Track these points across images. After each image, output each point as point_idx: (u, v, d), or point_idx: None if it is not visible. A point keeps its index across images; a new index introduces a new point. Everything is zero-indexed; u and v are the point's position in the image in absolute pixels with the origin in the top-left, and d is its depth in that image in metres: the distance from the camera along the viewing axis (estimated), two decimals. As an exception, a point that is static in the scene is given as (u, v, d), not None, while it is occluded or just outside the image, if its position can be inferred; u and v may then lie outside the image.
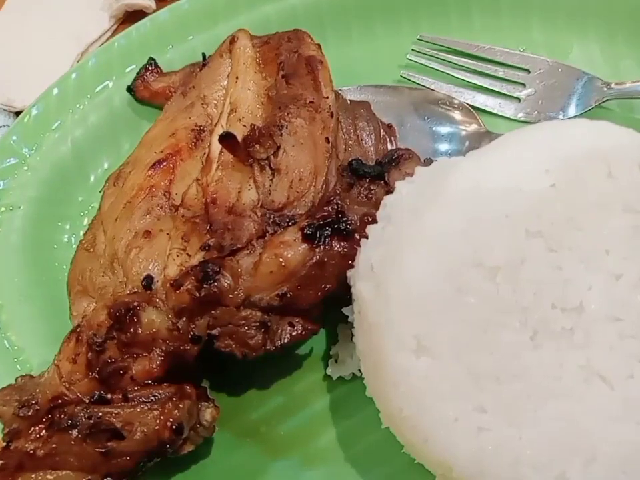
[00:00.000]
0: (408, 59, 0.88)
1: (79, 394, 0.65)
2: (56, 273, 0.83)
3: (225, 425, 0.71)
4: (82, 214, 0.88)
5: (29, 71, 1.05)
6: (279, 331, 0.67)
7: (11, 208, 0.86)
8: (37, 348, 0.78)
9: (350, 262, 0.66)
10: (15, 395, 0.67)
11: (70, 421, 0.62)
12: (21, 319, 0.80)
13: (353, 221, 0.67)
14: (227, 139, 0.71)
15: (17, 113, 1.00)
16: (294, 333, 0.67)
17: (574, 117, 0.80)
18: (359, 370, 0.71)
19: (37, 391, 0.67)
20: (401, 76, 0.88)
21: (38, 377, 0.69)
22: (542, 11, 0.88)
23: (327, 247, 0.66)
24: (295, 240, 0.66)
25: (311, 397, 0.73)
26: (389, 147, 0.78)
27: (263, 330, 0.66)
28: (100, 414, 0.62)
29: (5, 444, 0.65)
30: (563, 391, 0.51)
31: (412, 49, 0.89)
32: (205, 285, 0.64)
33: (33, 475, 0.63)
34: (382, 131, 0.78)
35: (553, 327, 0.52)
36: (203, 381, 0.74)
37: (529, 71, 0.84)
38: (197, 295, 0.63)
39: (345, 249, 0.66)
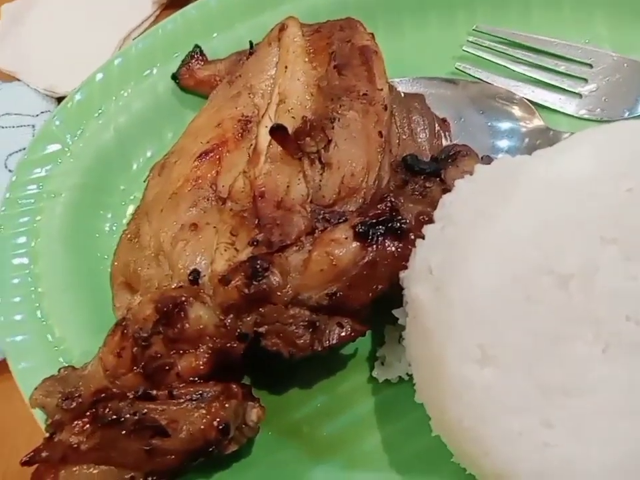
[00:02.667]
0: (463, 50, 0.85)
1: (123, 388, 0.64)
2: (97, 263, 0.82)
3: (266, 424, 0.69)
4: (124, 203, 0.87)
5: (70, 56, 1.04)
6: (327, 331, 0.65)
7: (52, 195, 0.84)
8: (78, 338, 0.77)
9: (403, 263, 0.63)
10: (58, 387, 0.67)
11: (114, 416, 0.61)
12: (63, 307, 0.79)
13: (407, 220, 0.64)
14: (277, 131, 0.69)
15: (59, 99, 1.00)
16: (343, 334, 0.64)
17: (641, 115, 0.76)
18: (407, 374, 0.69)
19: (80, 383, 0.65)
20: (456, 68, 0.84)
21: (81, 369, 0.68)
22: (606, 2, 0.83)
23: (379, 247, 0.64)
24: (346, 238, 0.64)
25: (356, 399, 0.71)
26: (444, 143, 0.75)
27: (311, 330, 0.64)
28: (145, 410, 0.61)
29: (48, 435, 0.64)
30: (636, 409, 0.49)
31: (467, 40, 0.85)
32: (254, 282, 0.62)
33: (76, 468, 0.62)
34: (436, 125, 0.75)
35: (627, 341, 0.49)
36: (245, 377, 0.73)
37: (591, 66, 0.80)
38: (246, 291, 0.62)
39: (398, 249, 0.64)
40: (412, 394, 0.62)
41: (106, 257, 0.81)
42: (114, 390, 0.64)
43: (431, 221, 0.63)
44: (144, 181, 0.81)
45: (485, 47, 0.84)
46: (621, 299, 0.50)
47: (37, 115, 0.98)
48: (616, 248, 0.51)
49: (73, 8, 1.08)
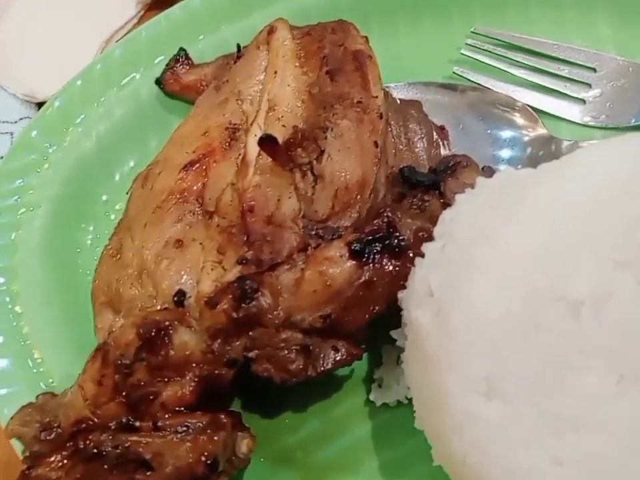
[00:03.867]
0: (462, 53, 0.81)
1: (104, 418, 0.60)
2: (79, 279, 0.78)
3: (258, 450, 0.65)
4: (106, 214, 0.82)
5: (50, 59, 0.99)
6: (322, 355, 0.61)
7: (31, 208, 0.80)
8: (59, 359, 0.73)
9: (402, 282, 0.60)
10: (36, 416, 0.63)
11: (96, 450, 0.57)
12: (43, 327, 0.75)
13: (405, 237, 0.61)
14: (267, 142, 0.65)
15: (40, 105, 0.95)
16: (338, 358, 0.61)
17: (649, 122, 0.73)
18: (406, 397, 0.66)
19: (60, 412, 0.62)
20: (454, 72, 0.80)
21: (60, 396, 0.64)
22: (609, 2, 0.80)
23: (376, 265, 0.60)
24: (341, 256, 0.61)
25: (352, 423, 0.68)
26: (442, 152, 0.71)
27: (304, 354, 0.61)
28: (128, 443, 0.57)
29: (25, 468, 0.60)
30: (653, 444, 0.45)
31: (465, 43, 0.81)
32: (242, 305, 0.58)
33: (55, 505, 0.58)
34: (434, 133, 0.72)
35: (642, 372, 0.46)
36: (235, 400, 0.70)
37: (595, 70, 0.77)
38: (235, 315, 0.58)
39: (396, 268, 0.60)
40: (411, 418, 0.59)
41: (88, 272, 0.77)
42: (95, 420, 0.60)
43: (430, 237, 0.60)
44: (126, 193, 0.77)
45: (484, 50, 0.80)
46: (636, 327, 0.47)
47: (16, 122, 0.94)
48: (629, 272, 0.47)
49: (53, 9, 1.03)
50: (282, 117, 0.71)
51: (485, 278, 0.49)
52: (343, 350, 0.61)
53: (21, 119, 0.94)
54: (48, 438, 0.61)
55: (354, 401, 0.68)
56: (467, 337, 0.48)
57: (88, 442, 0.58)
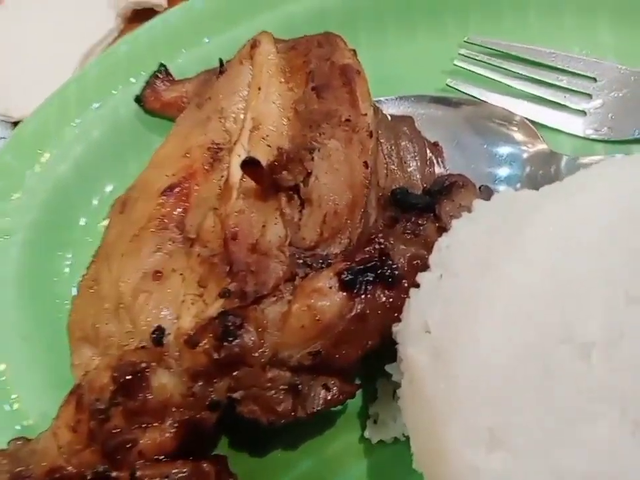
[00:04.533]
0: (455, 64, 0.77)
1: (80, 467, 0.56)
2: (57, 310, 0.74)
3: (246, 492, 0.62)
4: (85, 240, 0.79)
5: (28, 76, 0.95)
6: (311, 394, 0.57)
7: (6, 236, 0.77)
8: (36, 396, 0.70)
9: (396, 314, 0.56)
10: (7, 464, 0.59)
11: (69, 503, 0.53)
12: (19, 363, 0.72)
13: (399, 265, 0.57)
14: (249, 165, 0.61)
15: (16, 124, 0.91)
16: (329, 398, 0.57)
17: (654, 135, 0.69)
18: (403, 434, 0.62)
19: (32, 461, 0.58)
20: (447, 84, 0.77)
21: (34, 442, 0.60)
22: (610, 7, 0.76)
23: (368, 297, 0.56)
24: (330, 287, 0.56)
25: (347, 462, 0.64)
26: (437, 170, 0.67)
27: (292, 394, 0.57)
28: (104, 495, 0.53)
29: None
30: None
31: (459, 53, 0.77)
32: (225, 344, 0.54)
33: None
34: (428, 151, 0.68)
35: (660, 419, 0.42)
36: (222, 437, 0.65)
37: (595, 80, 0.73)
38: (216, 356, 0.54)
39: (390, 299, 0.56)
40: (409, 457, 0.55)
41: (66, 302, 0.74)
42: (70, 469, 0.56)
43: (425, 265, 0.56)
44: (104, 218, 0.73)
45: (478, 60, 0.76)
46: (651, 369, 0.42)
47: (-10, 143, 0.90)
48: (643, 307, 0.43)
49: (30, 24, 0.99)
50: (267, 136, 0.67)
51: (488, 318, 0.45)
52: (335, 388, 0.57)
53: (-3, 139, 0.91)
54: (19, 489, 0.57)
55: (348, 438, 0.65)
56: (469, 384, 0.44)
57: (61, 494, 0.54)
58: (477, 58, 0.76)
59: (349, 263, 0.57)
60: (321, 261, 0.59)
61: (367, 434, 0.63)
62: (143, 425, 0.55)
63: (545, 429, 0.42)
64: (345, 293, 0.56)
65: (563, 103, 0.73)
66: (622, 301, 0.43)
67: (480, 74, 0.76)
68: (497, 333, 0.44)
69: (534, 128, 0.70)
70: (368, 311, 0.56)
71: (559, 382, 0.42)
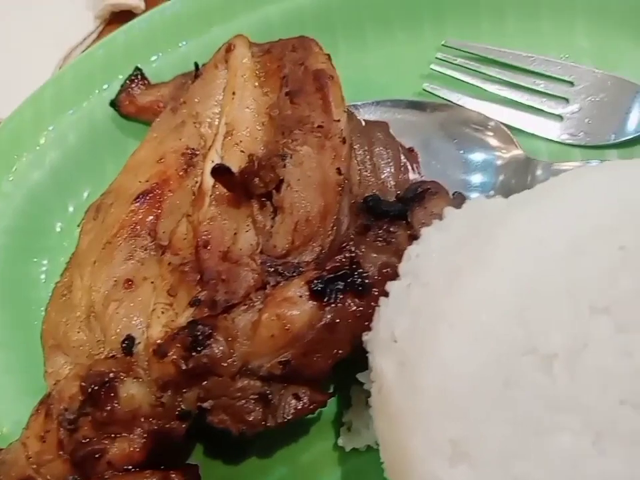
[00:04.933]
0: (431, 69, 0.77)
1: (49, 477, 0.56)
2: (32, 317, 0.74)
3: (220, 501, 0.62)
4: (61, 246, 0.78)
5: (5, 79, 0.94)
6: (282, 404, 0.57)
7: (-19, 242, 0.76)
8: (10, 405, 0.69)
9: (366, 323, 0.56)
10: (-23, 474, 0.59)
11: (37, 514, 0.53)
12: (-8, 370, 0.71)
13: (370, 274, 0.57)
14: (220, 173, 0.61)
15: (-7, 128, 0.90)
16: (299, 407, 0.57)
17: (629, 140, 0.68)
18: (376, 443, 0.62)
19: (1, 471, 0.57)
20: (424, 89, 0.76)
21: (4, 452, 0.59)
22: (588, 12, 0.75)
23: (338, 306, 0.56)
24: (300, 296, 0.56)
25: (320, 470, 0.64)
26: (411, 176, 0.67)
27: (262, 403, 0.56)
28: (72, 506, 0.53)
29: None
30: (635, 510, 0.41)
31: (436, 57, 0.77)
32: (193, 354, 0.54)
33: None
34: (402, 156, 0.67)
35: (621, 429, 0.42)
36: (196, 445, 0.65)
37: (572, 84, 0.72)
38: (184, 366, 0.54)
39: (360, 308, 0.56)
40: (381, 465, 0.55)
41: (42, 309, 0.72)
42: (39, 479, 0.56)
43: (396, 274, 0.55)
44: (78, 225, 0.72)
45: (456, 64, 0.75)
46: (613, 380, 0.42)
47: (-33, 147, 0.89)
48: (607, 318, 0.43)
49: (8, 26, 0.98)
50: (240, 141, 0.66)
51: (453, 330, 0.44)
52: (305, 398, 0.57)
53: (-27, 143, 0.90)
54: (-12, 501, 0.56)
55: (322, 446, 0.64)
56: (432, 397, 0.44)
57: (30, 505, 0.54)
58: (453, 62, 0.76)
59: (319, 272, 0.57)
60: (292, 269, 0.59)
61: (340, 442, 0.63)
62: (112, 435, 0.55)
63: (506, 441, 0.42)
64: (315, 302, 0.56)
65: (539, 107, 0.72)
66: (586, 312, 0.43)
67: (457, 78, 0.75)
68: (462, 344, 0.43)
69: (509, 133, 0.70)
70: (338, 320, 0.56)
71: (521, 393, 0.42)
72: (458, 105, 0.73)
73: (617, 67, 0.73)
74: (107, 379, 0.55)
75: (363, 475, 0.62)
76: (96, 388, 0.54)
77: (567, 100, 0.72)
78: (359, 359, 0.58)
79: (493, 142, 0.69)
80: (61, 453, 0.56)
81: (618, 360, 0.43)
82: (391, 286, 0.54)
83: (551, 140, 0.72)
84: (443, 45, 0.77)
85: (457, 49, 0.76)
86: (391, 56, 0.80)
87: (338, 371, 0.60)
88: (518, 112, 0.73)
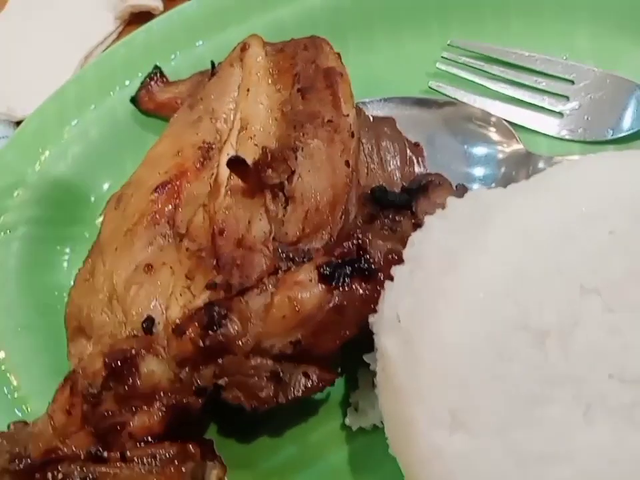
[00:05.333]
0: (437, 67, 0.80)
1: (74, 448, 0.60)
2: (56, 302, 0.78)
3: (233, 474, 0.65)
4: (83, 236, 0.82)
5: (30, 77, 0.99)
6: (293, 382, 0.60)
7: (7, 230, 0.80)
8: (35, 384, 0.73)
9: (372, 306, 0.59)
10: (7, 445, 0.62)
11: (64, 481, 0.57)
12: (19, 352, 0.75)
13: (375, 259, 0.60)
14: (235, 164, 0.64)
15: (19, 123, 0.95)
16: (309, 385, 0.60)
17: (626, 135, 0.71)
18: (381, 422, 0.65)
19: (30, 442, 0.61)
20: (429, 87, 0.79)
21: (32, 425, 0.63)
22: (588, 14, 0.78)
23: (346, 289, 0.59)
24: (310, 280, 0.59)
25: (328, 448, 0.66)
26: (416, 170, 0.70)
27: (274, 381, 0.60)
28: (96, 474, 0.57)
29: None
30: (621, 477, 0.44)
31: (442, 57, 0.80)
32: (210, 332, 0.57)
33: (22, 537, 0.58)
34: (408, 151, 0.70)
35: (610, 402, 0.45)
36: (210, 424, 0.69)
37: (573, 82, 0.75)
38: (201, 344, 0.57)
39: (366, 292, 0.59)
40: (386, 443, 0.58)
41: (65, 295, 0.76)
42: (64, 450, 0.60)
43: (400, 259, 0.58)
44: (100, 214, 0.76)
45: (460, 63, 0.78)
46: (603, 356, 0.45)
47: (-6, 142, 0.94)
48: (597, 298, 0.46)
49: (32, 26, 1.03)
50: (254, 135, 0.70)
51: (451, 308, 0.48)
52: (314, 376, 0.60)
53: (0, 138, 0.94)
54: (17, 468, 0.60)
55: (330, 426, 0.67)
56: (432, 370, 0.47)
57: (57, 472, 0.58)
58: (458, 61, 0.79)
59: (328, 257, 0.60)
60: (302, 255, 0.62)
61: (347, 421, 0.66)
62: (133, 409, 0.58)
63: (501, 412, 0.45)
64: (324, 286, 0.59)
65: (541, 104, 0.75)
66: (577, 292, 0.46)
67: (462, 76, 0.78)
68: (459, 321, 0.47)
69: (511, 129, 0.73)
70: (345, 303, 0.59)
71: (514, 367, 0.45)
72: (462, 102, 0.76)
73: (616, 66, 0.75)
74: (128, 356, 0.58)
75: (369, 453, 0.65)
76: (118, 364, 0.58)
77: (567, 98, 0.75)
78: (365, 341, 0.61)
79: (495, 137, 0.72)
80: (84, 425, 0.59)
81: (607, 337, 0.46)
82: (395, 271, 0.57)
83: (551, 136, 0.74)
84: (448, 44, 0.80)
85: (461, 49, 0.79)
86: (398, 55, 0.83)
87: (345, 353, 0.63)
88: (520, 109, 0.76)
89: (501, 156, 0.71)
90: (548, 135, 0.74)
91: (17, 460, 0.60)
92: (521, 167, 0.70)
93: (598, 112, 0.73)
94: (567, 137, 0.73)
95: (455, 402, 0.46)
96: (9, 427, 0.64)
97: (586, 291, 0.46)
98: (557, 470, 0.45)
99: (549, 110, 0.75)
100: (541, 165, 0.70)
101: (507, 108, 0.76)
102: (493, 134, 0.72)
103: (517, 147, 0.72)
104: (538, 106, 0.76)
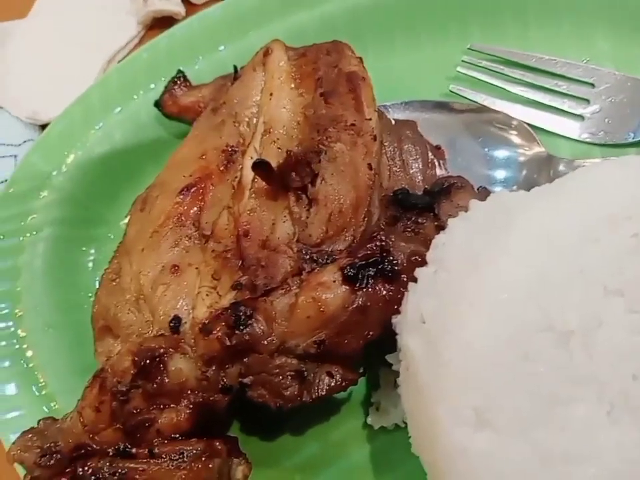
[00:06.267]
0: (458, 71, 0.81)
1: (102, 444, 0.61)
2: (82, 301, 0.79)
3: (257, 473, 0.66)
4: (108, 237, 0.84)
5: (53, 80, 1.00)
6: (316, 381, 0.61)
7: (34, 232, 0.82)
8: (62, 382, 0.75)
9: (395, 307, 0.60)
10: (37, 441, 0.64)
11: (93, 476, 0.58)
12: (46, 350, 0.77)
13: (399, 261, 0.61)
14: (260, 167, 0.65)
15: (43, 127, 0.97)
16: (332, 384, 0.61)
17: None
18: (403, 421, 0.66)
19: (59, 438, 0.63)
20: (450, 90, 0.80)
21: (61, 421, 0.65)
22: (608, 17, 0.78)
23: (369, 290, 0.60)
24: (334, 281, 0.60)
25: (350, 446, 0.68)
26: (438, 172, 0.71)
27: (298, 380, 0.61)
28: (125, 469, 0.58)
29: (25, 493, 0.61)
30: (646, 476, 0.45)
31: (462, 60, 0.81)
32: (236, 332, 0.59)
33: (53, 531, 0.59)
34: (430, 153, 0.71)
35: (634, 402, 0.46)
36: (234, 422, 0.70)
37: (593, 85, 0.76)
38: (228, 343, 0.58)
39: (390, 293, 0.60)
40: (408, 442, 0.59)
41: (90, 294, 0.79)
42: (93, 446, 0.61)
43: (424, 261, 0.59)
44: (125, 216, 0.78)
45: (481, 67, 0.79)
46: (627, 356, 0.46)
47: (20, 145, 0.95)
48: (620, 300, 0.47)
49: (55, 31, 1.05)
50: (277, 139, 0.71)
51: (475, 309, 0.48)
52: (338, 376, 0.61)
53: (25, 141, 0.96)
54: (48, 463, 0.61)
55: (352, 425, 0.68)
56: (457, 370, 0.47)
57: (86, 468, 0.59)
58: (478, 65, 0.79)
59: (352, 259, 0.61)
60: (326, 256, 0.63)
61: (369, 420, 0.67)
62: (161, 406, 0.59)
63: (525, 411, 0.46)
64: (347, 287, 0.60)
65: (561, 107, 0.76)
66: (600, 294, 0.47)
67: (481, 80, 0.79)
68: (483, 323, 0.47)
69: (532, 132, 0.73)
70: (369, 303, 0.60)
71: (539, 367, 0.46)
72: (483, 105, 0.77)
73: (636, 69, 0.76)
74: (157, 354, 0.60)
75: (390, 452, 0.66)
76: (147, 362, 0.59)
77: (587, 101, 0.76)
78: (387, 341, 0.62)
79: (516, 140, 0.73)
80: (113, 422, 0.61)
81: (631, 337, 0.46)
82: (419, 272, 0.58)
83: (572, 139, 0.75)
84: (468, 48, 0.81)
85: (482, 52, 0.80)
86: (418, 59, 0.83)
87: (368, 353, 0.64)
88: (541, 112, 0.76)
89: (522, 159, 0.71)
90: (569, 138, 0.75)
91: (47, 455, 0.62)
92: (543, 169, 0.70)
93: (619, 115, 0.73)
94: (588, 140, 0.74)
95: (479, 401, 0.47)
96: (38, 423, 0.66)
97: (609, 292, 0.47)
98: (581, 469, 0.45)
99: (570, 113, 0.76)
100: (562, 167, 0.70)
101: (527, 111, 0.76)
102: (514, 137, 0.73)
103: (538, 149, 0.72)
104: (558, 109, 0.76)
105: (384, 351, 0.64)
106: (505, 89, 0.78)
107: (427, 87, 0.80)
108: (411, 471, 0.62)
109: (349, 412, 0.69)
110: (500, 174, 0.71)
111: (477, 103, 0.78)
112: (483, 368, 0.47)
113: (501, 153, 0.72)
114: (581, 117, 0.75)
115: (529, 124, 0.75)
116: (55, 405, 0.73)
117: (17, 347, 0.76)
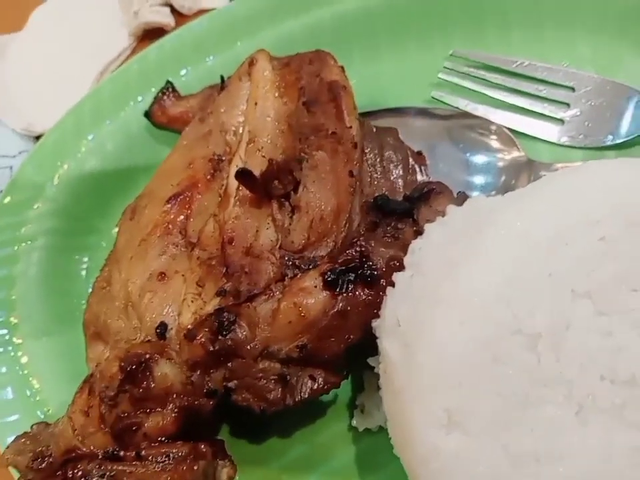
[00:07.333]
0: (440, 77, 0.82)
1: (92, 448, 0.63)
2: (75, 309, 0.81)
3: (243, 473, 0.67)
4: (100, 245, 0.86)
5: (47, 92, 1.03)
6: (299, 384, 0.63)
7: (28, 241, 0.84)
8: (55, 388, 0.76)
9: (375, 311, 0.61)
10: (30, 445, 0.65)
11: (83, 479, 0.60)
12: (40, 357, 0.78)
13: (378, 266, 0.62)
14: (243, 176, 0.67)
15: (38, 138, 0.99)
16: (315, 387, 0.62)
17: (625, 141, 0.72)
18: (386, 423, 0.67)
19: (51, 442, 0.64)
20: (432, 97, 0.81)
21: (53, 426, 0.66)
22: (588, 22, 0.80)
23: (349, 295, 0.61)
24: (315, 287, 0.62)
25: (336, 448, 0.69)
26: (419, 178, 0.72)
27: (281, 383, 0.62)
28: (113, 472, 0.60)
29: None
30: (612, 475, 0.46)
31: (444, 67, 0.82)
32: (219, 337, 0.60)
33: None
34: (411, 159, 0.73)
35: (601, 402, 0.46)
36: (222, 425, 0.71)
37: (573, 89, 0.77)
38: (211, 348, 0.60)
39: (369, 297, 0.61)
40: (392, 444, 0.60)
41: (83, 302, 0.80)
42: (83, 449, 0.63)
43: (402, 266, 0.61)
44: (116, 225, 0.79)
45: (462, 73, 0.80)
46: (594, 357, 0.47)
47: (15, 156, 0.98)
48: (588, 302, 0.48)
49: (50, 43, 1.07)
50: (262, 147, 0.73)
51: (446, 314, 0.50)
52: (320, 379, 0.62)
53: (20, 152, 0.98)
54: (40, 467, 0.63)
55: (338, 427, 0.69)
56: (430, 372, 0.49)
57: (76, 470, 0.61)
58: (460, 71, 0.80)
59: (332, 265, 0.63)
60: (308, 262, 0.65)
61: (354, 422, 0.68)
62: (148, 410, 0.61)
63: (496, 412, 0.47)
64: (328, 292, 0.61)
65: (542, 112, 0.77)
66: (568, 297, 0.48)
67: (463, 85, 0.80)
68: (455, 326, 0.49)
69: (512, 137, 0.75)
70: (349, 308, 0.61)
71: (508, 369, 0.47)
72: (464, 111, 0.78)
73: (616, 73, 0.77)
74: (143, 360, 0.61)
75: (375, 453, 0.67)
76: (134, 368, 0.61)
77: (568, 104, 0.76)
78: (370, 345, 0.63)
79: (496, 145, 0.74)
80: (102, 426, 0.62)
81: (598, 339, 0.47)
82: (396, 277, 0.59)
83: (552, 142, 0.76)
84: (450, 54, 0.82)
85: (463, 58, 0.81)
86: (402, 65, 0.85)
87: (351, 356, 0.65)
88: (522, 117, 0.77)
89: (501, 164, 0.73)
90: (549, 142, 0.76)
91: (39, 458, 0.64)
92: (522, 174, 0.71)
93: (598, 118, 0.74)
94: (568, 144, 0.75)
95: (451, 402, 0.48)
96: (31, 427, 0.68)
97: (577, 295, 0.48)
98: (551, 469, 0.46)
99: (550, 117, 0.77)
100: (541, 172, 0.71)
101: (509, 116, 0.77)
102: (494, 142, 0.74)
103: (518, 154, 0.73)
104: (539, 113, 0.77)
105: (367, 354, 0.65)
106: (486, 95, 0.80)
107: (409, 94, 0.82)
108: (394, 471, 0.63)
109: (334, 414, 0.70)
110: (479, 179, 0.72)
111: (458, 108, 0.79)
112: (455, 370, 0.48)
113: (480, 159, 0.73)
114: (561, 121, 0.76)
115: (510, 129, 0.76)
116: (48, 410, 0.75)
117: (13, 354, 0.78)
